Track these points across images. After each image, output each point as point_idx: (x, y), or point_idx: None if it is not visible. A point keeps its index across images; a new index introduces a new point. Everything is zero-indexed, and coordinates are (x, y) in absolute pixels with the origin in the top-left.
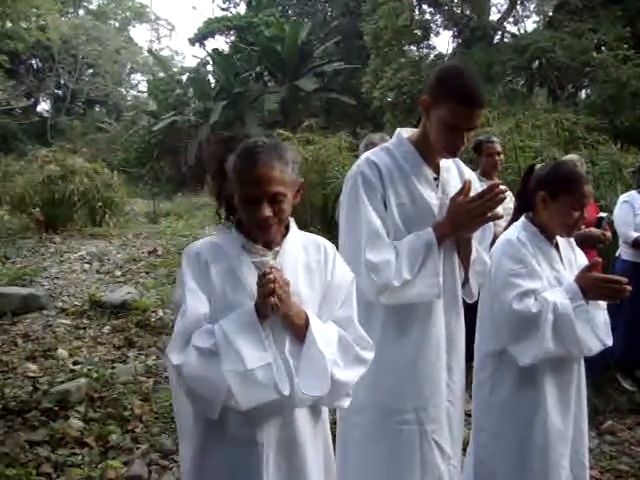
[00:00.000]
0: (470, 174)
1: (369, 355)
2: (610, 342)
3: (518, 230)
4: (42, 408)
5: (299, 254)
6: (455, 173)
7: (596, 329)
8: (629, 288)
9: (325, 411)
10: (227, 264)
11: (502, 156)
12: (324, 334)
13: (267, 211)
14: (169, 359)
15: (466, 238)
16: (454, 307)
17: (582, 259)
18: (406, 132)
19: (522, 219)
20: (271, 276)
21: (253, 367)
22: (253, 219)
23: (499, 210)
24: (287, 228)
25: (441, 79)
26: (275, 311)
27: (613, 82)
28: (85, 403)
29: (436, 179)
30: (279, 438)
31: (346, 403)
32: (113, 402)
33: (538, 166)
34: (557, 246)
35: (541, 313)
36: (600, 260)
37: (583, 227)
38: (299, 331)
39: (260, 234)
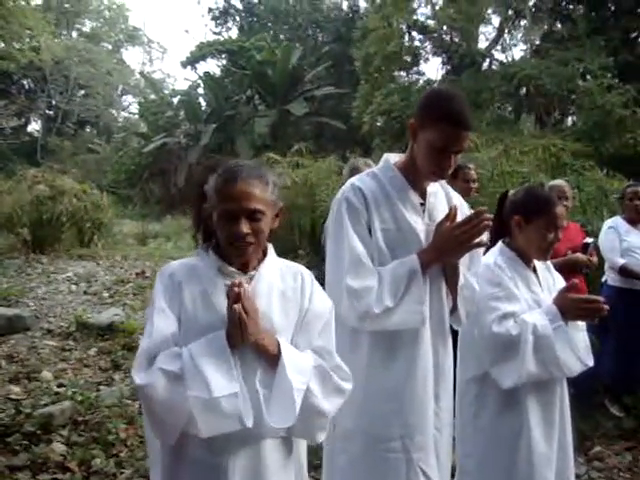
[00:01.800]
0: (458, 199)
1: (347, 386)
2: (591, 362)
3: (495, 255)
4: (24, 432)
5: (275, 280)
6: (442, 198)
7: (576, 349)
8: (606, 307)
9: (301, 442)
10: (201, 286)
11: (476, 184)
12: (296, 363)
13: (245, 227)
14: (133, 379)
15: (453, 264)
16: (441, 333)
17: (560, 282)
18: (393, 157)
19: (499, 244)
20: (236, 281)
21: (218, 395)
22: (230, 236)
23: (484, 237)
24: (265, 254)
25: (429, 102)
26: (243, 327)
27: (598, 109)
28: (69, 427)
29: (422, 204)
30: (245, 466)
31: (321, 437)
32: (97, 426)
33: (511, 192)
34: (535, 270)
35: (521, 335)
36: (577, 281)
37: (569, 252)
38: (271, 359)
39: (236, 253)
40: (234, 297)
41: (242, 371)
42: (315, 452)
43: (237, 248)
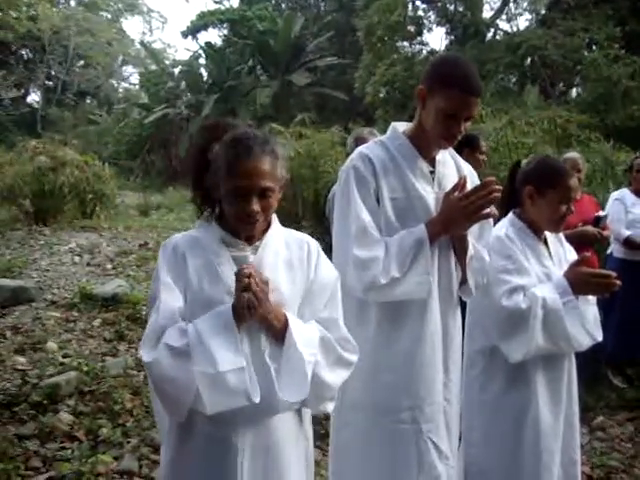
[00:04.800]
0: (468, 169)
1: (353, 357)
2: (600, 337)
3: (506, 226)
4: (31, 401)
5: (280, 250)
6: (452, 167)
7: (586, 324)
8: (618, 282)
9: (307, 412)
10: (205, 258)
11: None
12: (304, 335)
13: (256, 206)
14: (141, 355)
15: (461, 235)
16: (450, 304)
17: (571, 254)
18: (401, 126)
19: (510, 215)
20: (246, 271)
21: (224, 370)
22: (240, 213)
23: (493, 208)
24: (269, 224)
25: (438, 67)
26: (252, 311)
27: (604, 81)
28: (75, 397)
29: (432, 172)
30: (255, 442)
31: (330, 407)
32: (103, 396)
33: (524, 162)
34: (546, 242)
35: (530, 309)
36: (589, 254)
37: (580, 225)
38: (278, 333)
39: (244, 228)
40: (244, 286)
41: (249, 345)
42: (320, 422)
43: (246, 224)
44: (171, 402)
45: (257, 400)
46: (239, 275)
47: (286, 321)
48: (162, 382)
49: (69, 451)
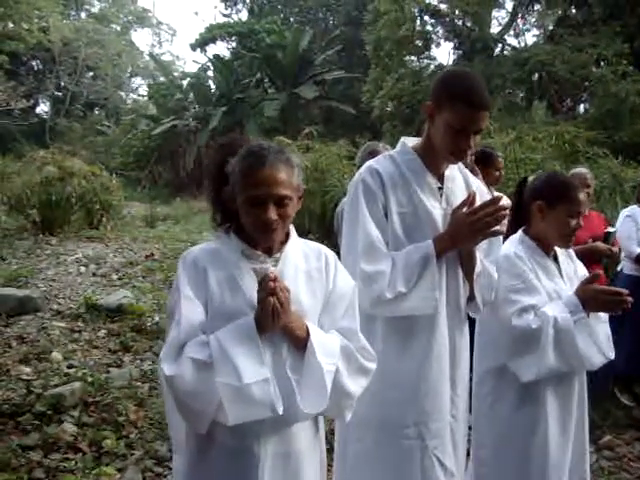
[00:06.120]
0: (477, 185)
1: (372, 366)
2: (612, 355)
3: (515, 245)
4: (35, 412)
5: (299, 262)
6: (461, 183)
7: (598, 342)
8: (630, 300)
9: (322, 421)
10: (226, 270)
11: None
12: (325, 345)
13: (273, 214)
14: (161, 369)
15: (468, 251)
16: (458, 320)
17: (581, 270)
18: (410, 141)
19: (519, 233)
20: (272, 275)
21: (249, 382)
22: (258, 222)
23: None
24: (287, 235)
25: (446, 82)
26: (276, 318)
27: (612, 97)
28: (79, 407)
29: (440, 188)
30: (276, 451)
31: (349, 415)
32: (108, 407)
33: (530, 178)
34: (556, 258)
35: (541, 328)
36: (600, 272)
37: (590, 241)
38: (299, 343)
39: (262, 238)
40: (269, 291)
41: (271, 356)
42: (325, 437)
43: (264, 233)
44: (194, 415)
45: (281, 411)
46: (265, 280)
47: (307, 331)
48: (185, 395)
49: (72, 462)
